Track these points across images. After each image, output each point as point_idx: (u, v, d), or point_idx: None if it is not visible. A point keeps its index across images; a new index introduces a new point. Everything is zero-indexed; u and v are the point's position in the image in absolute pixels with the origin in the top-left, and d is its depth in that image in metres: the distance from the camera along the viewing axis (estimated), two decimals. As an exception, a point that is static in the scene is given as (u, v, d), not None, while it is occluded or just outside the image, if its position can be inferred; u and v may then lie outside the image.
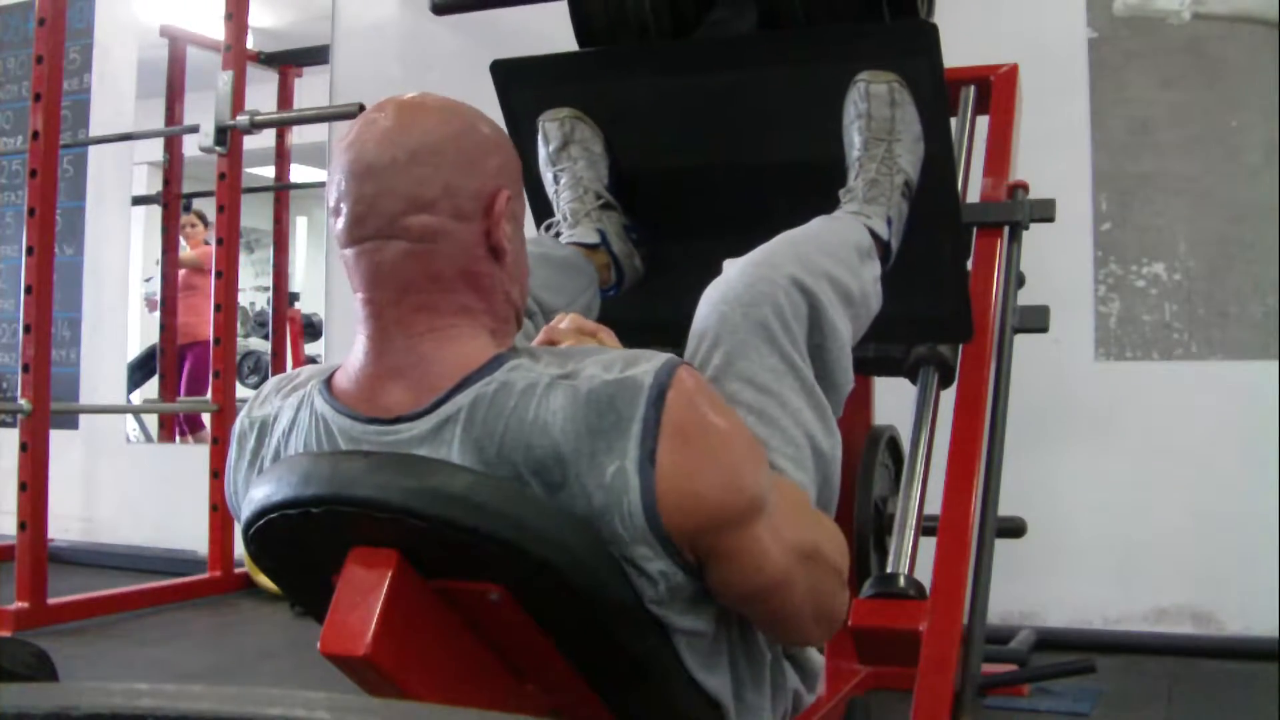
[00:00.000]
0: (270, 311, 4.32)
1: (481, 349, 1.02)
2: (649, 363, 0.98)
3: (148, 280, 4.37)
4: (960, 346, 1.79)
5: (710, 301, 1.26)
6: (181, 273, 4.33)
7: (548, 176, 1.72)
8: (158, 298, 4.34)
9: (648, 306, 1.75)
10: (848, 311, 1.34)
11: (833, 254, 1.36)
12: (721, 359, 1.21)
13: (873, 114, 1.55)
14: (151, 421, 4.41)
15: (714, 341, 1.22)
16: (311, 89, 4.09)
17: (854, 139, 1.57)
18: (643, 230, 1.72)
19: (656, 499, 0.95)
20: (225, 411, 3.45)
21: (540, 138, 1.72)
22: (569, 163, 1.70)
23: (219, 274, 3.48)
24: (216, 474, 3.45)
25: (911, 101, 1.56)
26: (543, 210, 1.75)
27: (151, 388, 4.35)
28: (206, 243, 4.30)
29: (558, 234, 1.67)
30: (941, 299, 1.72)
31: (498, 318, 1.05)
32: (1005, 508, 1.77)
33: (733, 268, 1.30)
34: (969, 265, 1.82)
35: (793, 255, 1.31)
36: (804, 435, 1.20)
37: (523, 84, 1.73)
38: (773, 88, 1.65)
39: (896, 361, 1.82)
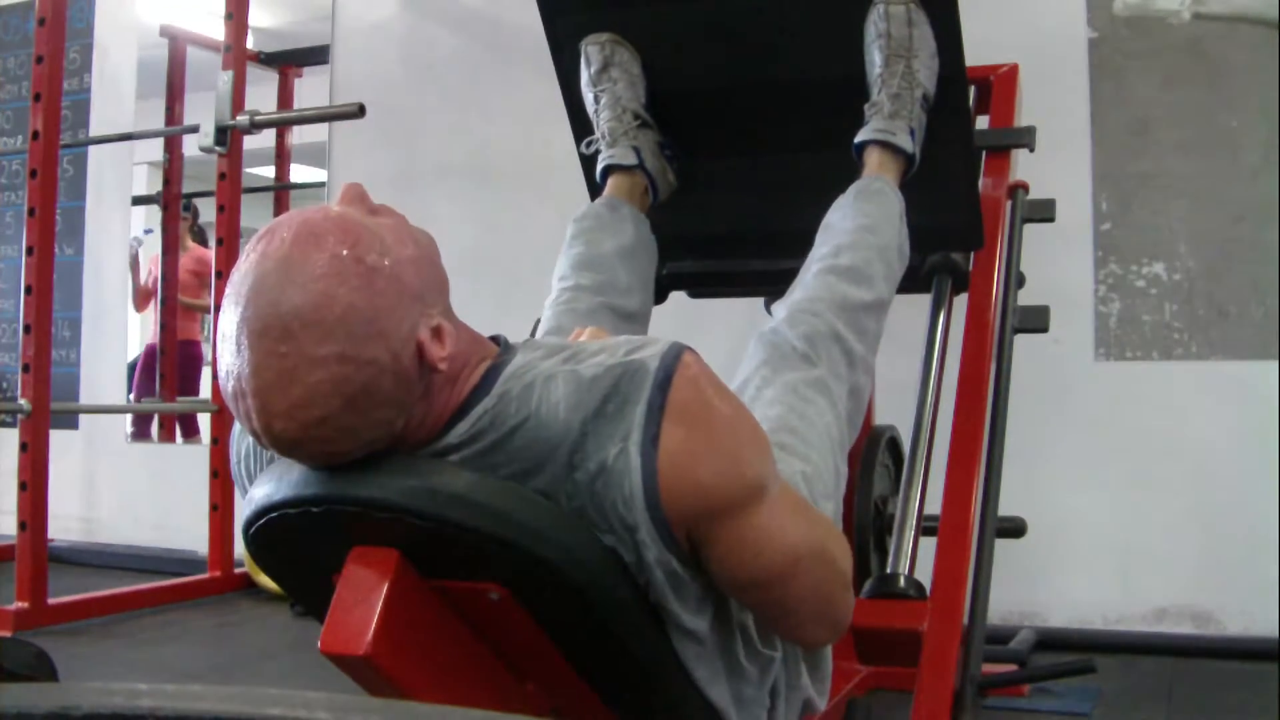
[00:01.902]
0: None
1: (474, 375, 1.01)
2: (654, 347, 0.99)
3: (147, 231, 4.31)
4: (971, 254, 1.90)
5: (762, 337, 1.46)
6: (181, 272, 4.32)
7: (589, 97, 1.83)
8: (148, 269, 4.30)
9: (680, 220, 1.90)
10: (881, 316, 1.55)
11: (868, 275, 1.54)
12: (770, 371, 1.40)
13: (892, 33, 1.68)
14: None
15: (764, 360, 1.42)
16: (311, 89, 4.09)
17: (875, 57, 1.70)
18: (677, 146, 1.86)
19: (658, 481, 0.95)
20: (225, 411, 3.45)
21: (583, 61, 1.83)
22: (609, 84, 1.80)
23: (219, 274, 3.48)
24: (216, 474, 3.45)
25: (927, 21, 1.68)
26: (583, 128, 1.87)
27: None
28: (199, 235, 4.29)
29: (597, 151, 1.81)
30: (955, 209, 1.84)
31: (466, 359, 1.02)
32: (1005, 508, 1.78)
33: (781, 311, 1.49)
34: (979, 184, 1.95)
35: (831, 301, 1.49)
36: (829, 446, 1.35)
37: (566, 12, 1.84)
38: (798, 10, 1.76)
39: (913, 269, 1.86)
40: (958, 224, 1.86)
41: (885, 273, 1.58)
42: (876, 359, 1.55)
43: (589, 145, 1.83)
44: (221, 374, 0.94)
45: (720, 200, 1.95)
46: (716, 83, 1.85)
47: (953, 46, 1.71)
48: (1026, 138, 2.00)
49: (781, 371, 1.40)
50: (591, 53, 1.81)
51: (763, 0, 1.76)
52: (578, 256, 1.69)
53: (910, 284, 1.84)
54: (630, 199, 1.78)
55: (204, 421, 3.88)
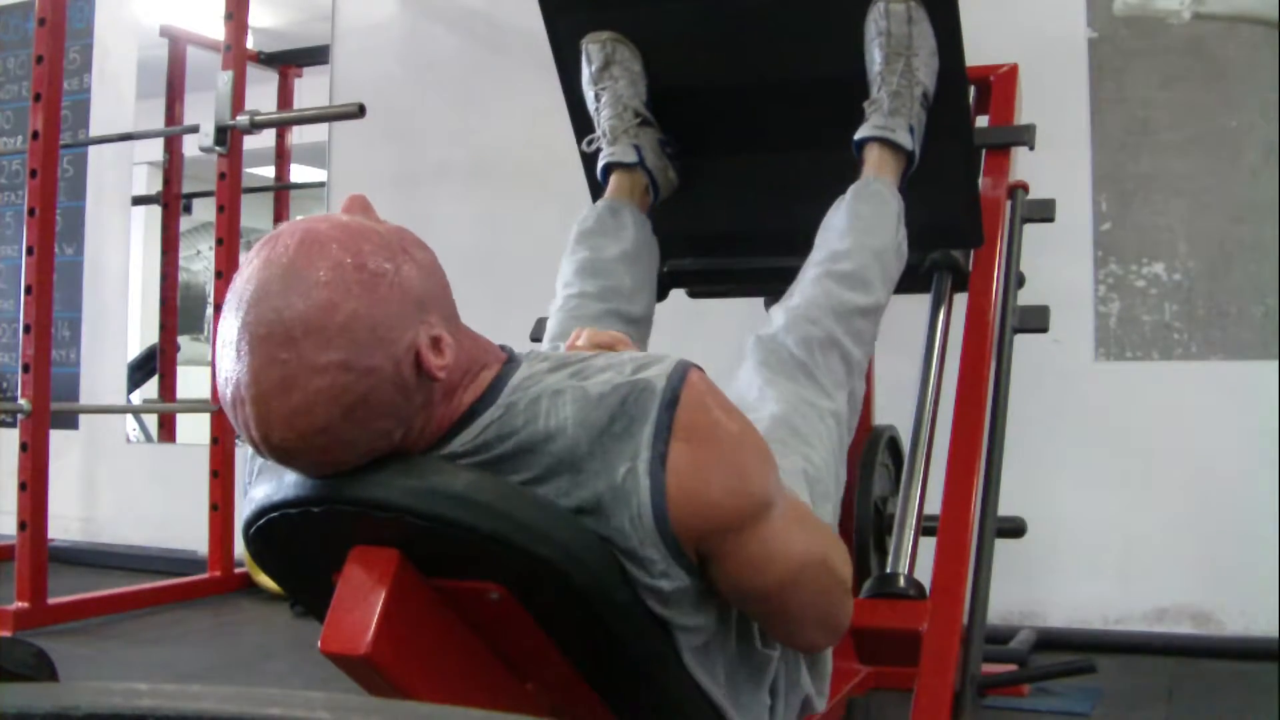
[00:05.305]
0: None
1: (478, 384, 1.00)
2: (660, 365, 0.99)
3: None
4: (972, 252, 1.91)
5: (759, 342, 1.48)
6: None
7: (589, 95, 1.85)
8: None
9: (681, 218, 1.92)
10: (877, 319, 1.58)
11: (865, 279, 1.56)
12: (769, 374, 1.43)
13: (892, 31, 1.69)
14: (151, 421, 4.41)
15: (761, 363, 1.45)
16: (311, 89, 4.09)
17: (875, 55, 1.71)
18: (678, 144, 1.86)
19: (667, 500, 0.95)
20: (225, 412, 3.45)
21: (584, 59, 1.84)
22: (610, 82, 1.81)
23: (219, 274, 3.48)
24: (216, 474, 3.44)
25: (927, 19, 1.69)
26: (584, 126, 1.88)
27: (151, 388, 4.34)
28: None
29: (598, 149, 1.82)
30: (955, 207, 1.85)
31: (467, 368, 1.01)
32: (1005, 508, 1.77)
33: (779, 317, 1.51)
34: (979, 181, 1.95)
35: (829, 307, 1.51)
36: (832, 452, 1.39)
37: (567, 10, 1.85)
38: (798, 9, 1.77)
39: (912, 267, 1.86)
40: (957, 222, 1.86)
41: (882, 276, 1.60)
42: (875, 359, 1.56)
43: (590, 143, 1.85)
44: (220, 380, 0.94)
45: (721, 198, 1.95)
46: (717, 81, 1.86)
47: (953, 43, 1.71)
48: (1026, 135, 2.00)
49: (778, 378, 1.43)
50: (592, 51, 1.82)
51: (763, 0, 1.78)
52: (581, 262, 1.70)
53: (910, 282, 1.84)
54: (631, 198, 1.79)
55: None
